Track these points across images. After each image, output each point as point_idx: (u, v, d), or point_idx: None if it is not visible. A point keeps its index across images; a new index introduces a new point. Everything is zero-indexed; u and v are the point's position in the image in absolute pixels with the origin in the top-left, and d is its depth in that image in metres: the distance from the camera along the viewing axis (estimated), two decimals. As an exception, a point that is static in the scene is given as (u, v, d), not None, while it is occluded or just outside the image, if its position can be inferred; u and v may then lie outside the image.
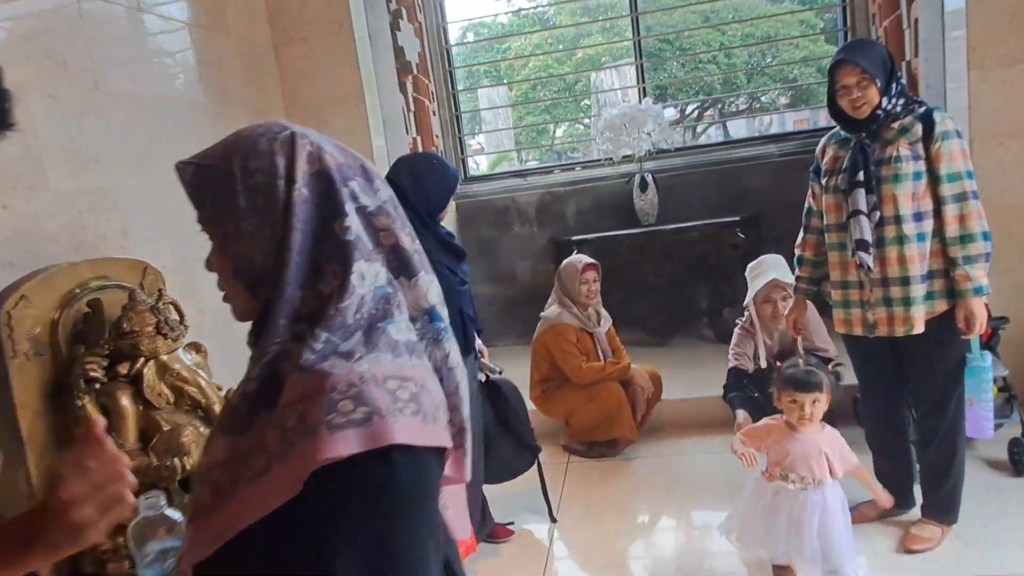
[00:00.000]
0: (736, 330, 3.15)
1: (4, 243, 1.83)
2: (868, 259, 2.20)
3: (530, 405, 3.35)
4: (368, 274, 0.76)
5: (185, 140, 2.64)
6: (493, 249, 4.73)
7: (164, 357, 1.80)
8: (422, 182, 2.33)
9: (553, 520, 2.87)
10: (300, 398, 0.70)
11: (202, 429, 1.85)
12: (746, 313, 3.13)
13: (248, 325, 0.87)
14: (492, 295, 4.78)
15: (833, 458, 2.14)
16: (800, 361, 2.25)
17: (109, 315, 1.80)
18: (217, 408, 1.85)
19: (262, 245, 0.79)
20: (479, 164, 10.29)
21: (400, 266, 0.80)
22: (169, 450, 1.75)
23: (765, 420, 2.31)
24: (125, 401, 1.72)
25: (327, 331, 0.73)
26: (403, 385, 0.72)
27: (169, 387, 1.80)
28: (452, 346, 0.84)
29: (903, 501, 2.44)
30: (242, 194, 0.79)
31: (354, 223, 0.77)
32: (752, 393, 3.02)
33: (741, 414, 2.82)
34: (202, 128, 2.76)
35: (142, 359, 1.77)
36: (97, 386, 1.70)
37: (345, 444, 0.66)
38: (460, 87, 4.89)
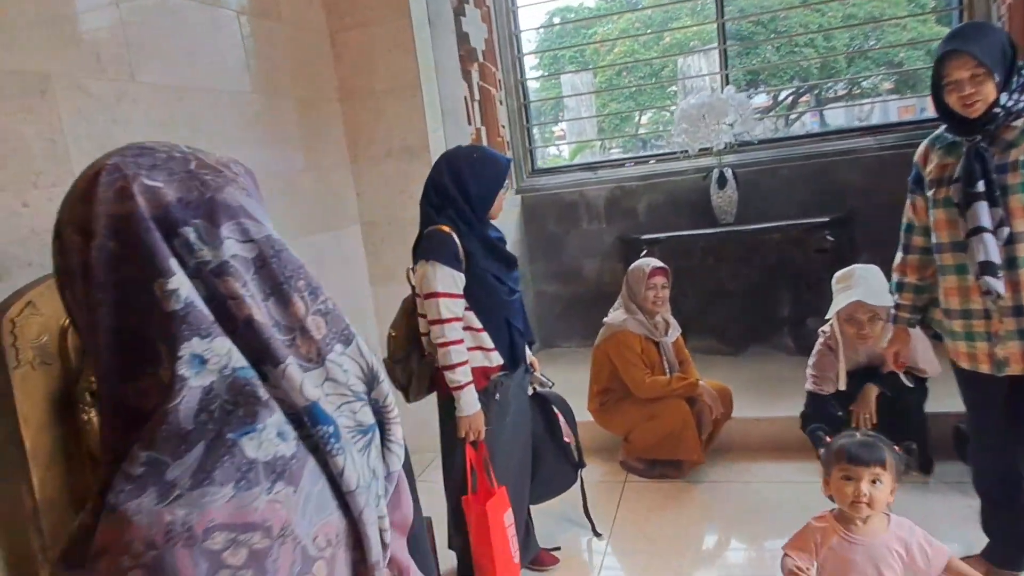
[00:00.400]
0: (817, 345, 2.82)
1: (23, 242, 1.76)
2: (997, 285, 1.83)
3: (587, 416, 3.14)
4: (213, 355, 0.54)
5: (228, 134, 2.55)
6: (558, 246, 4.50)
7: (178, 368, 1.68)
8: (462, 178, 2.14)
9: (596, 534, 2.66)
10: (95, 556, 0.50)
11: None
12: (829, 328, 2.79)
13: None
14: (556, 294, 4.56)
15: (912, 558, 1.63)
16: (857, 433, 1.77)
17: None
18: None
19: (82, 326, 0.59)
20: (561, 151, 10.04)
21: (258, 349, 0.57)
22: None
23: (812, 522, 1.77)
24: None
25: (150, 448, 0.51)
26: (239, 541, 0.50)
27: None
28: (350, 459, 0.60)
29: (1015, 563, 2.08)
30: (55, 255, 0.61)
31: (183, 285, 0.55)
32: (836, 411, 2.70)
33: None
34: (247, 122, 2.67)
35: (153, 370, 1.66)
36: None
37: None
38: (543, 73, 4.65)
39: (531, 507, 2.49)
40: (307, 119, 3.05)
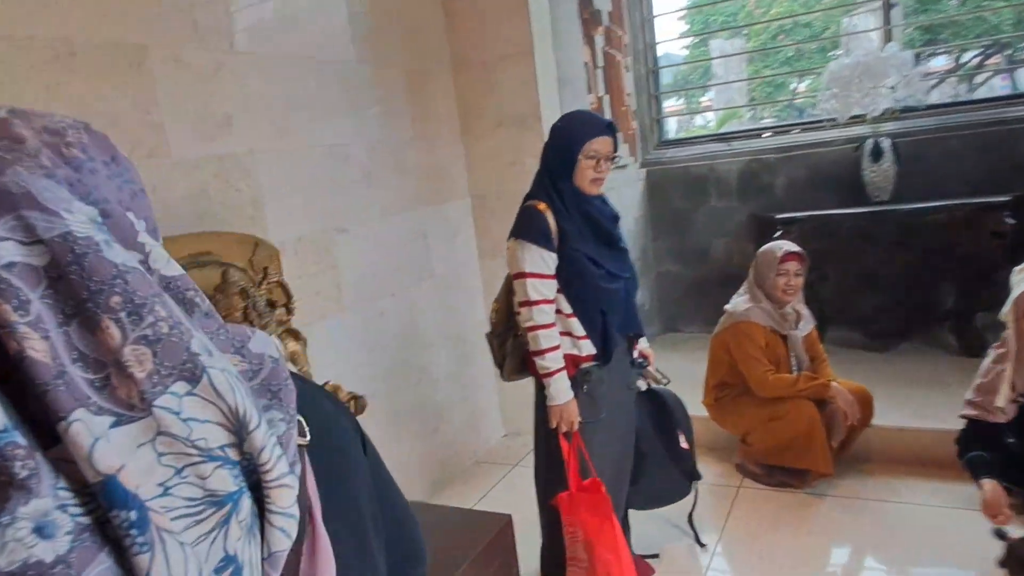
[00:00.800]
0: (988, 357, 2.30)
1: (117, 214, 1.79)
2: None
3: (702, 411, 2.87)
4: None
5: (332, 104, 2.51)
6: (684, 223, 4.19)
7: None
8: (546, 145, 1.97)
9: (700, 544, 2.42)
10: None
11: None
12: (1006, 331, 2.32)
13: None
14: (678, 274, 4.25)
15: None
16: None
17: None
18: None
19: None
20: (709, 121, 9.47)
21: (37, 399, 0.41)
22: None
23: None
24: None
25: None
26: None
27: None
28: (162, 557, 0.43)
29: None
30: None
31: None
32: (1007, 439, 2.24)
33: (988, 486, 1.95)
34: (352, 91, 2.62)
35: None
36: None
37: None
38: (694, 37, 4.32)
39: (632, 515, 2.31)
40: (416, 89, 2.97)
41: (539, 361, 1.98)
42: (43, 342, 0.40)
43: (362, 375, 2.61)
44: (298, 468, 0.49)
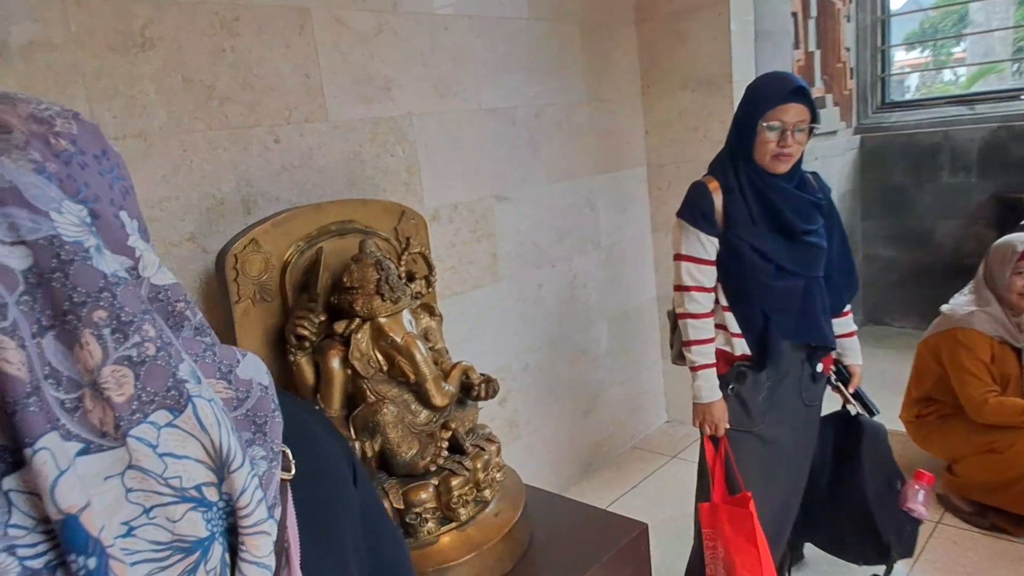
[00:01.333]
0: None
1: (274, 178, 1.82)
2: None
3: (898, 426, 2.46)
4: None
5: (499, 64, 2.39)
6: (904, 201, 3.59)
7: (382, 320, 1.60)
8: (735, 116, 1.71)
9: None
10: None
11: (413, 407, 1.64)
12: None
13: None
14: (892, 260, 3.68)
15: None
16: None
17: (336, 264, 1.67)
18: (430, 386, 1.61)
19: None
20: (959, 77, 8.13)
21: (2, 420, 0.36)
22: (365, 426, 1.58)
23: None
24: (335, 363, 1.59)
25: None
26: None
27: (383, 354, 1.62)
28: None
29: None
30: None
31: None
32: None
33: None
34: (522, 50, 2.47)
35: (357, 320, 1.61)
36: (307, 344, 1.59)
37: None
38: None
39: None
40: (592, 46, 2.76)
41: (686, 353, 1.80)
42: (18, 352, 0.36)
43: (514, 347, 2.53)
44: (278, 511, 0.45)
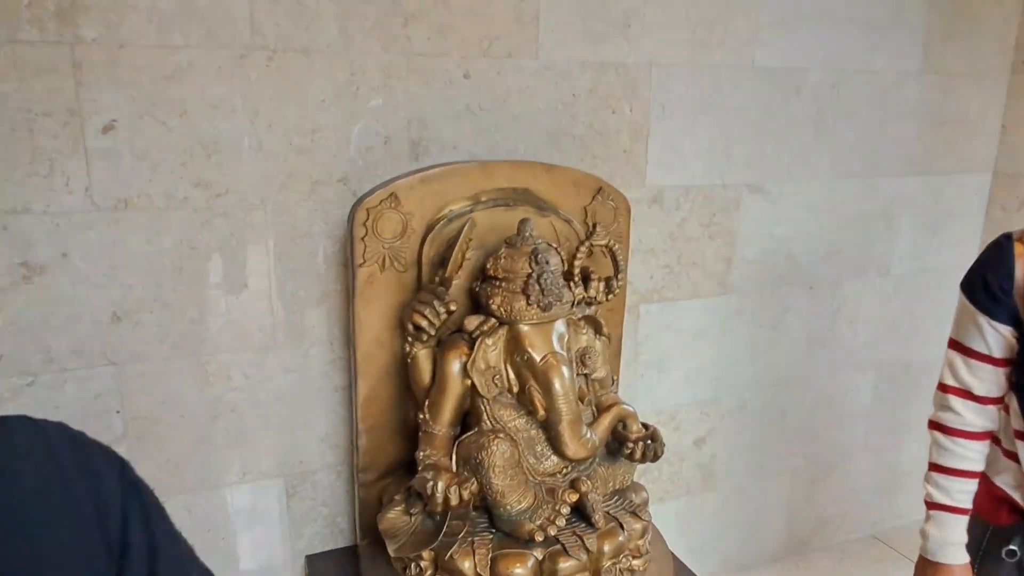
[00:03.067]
0: None
1: (454, 120, 1.49)
2: None
3: None
4: None
5: (794, 6, 1.77)
6: None
7: (523, 328, 1.22)
8: None
9: None
10: None
11: (538, 449, 1.25)
12: None
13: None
14: None
15: None
16: None
17: (493, 244, 1.30)
18: (564, 429, 1.20)
19: None
20: None
21: None
22: (468, 460, 1.22)
23: None
24: (454, 368, 1.24)
25: None
26: None
27: (515, 372, 1.23)
28: None
29: None
30: None
31: None
32: None
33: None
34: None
35: (492, 321, 1.24)
36: (425, 337, 1.26)
37: None
38: None
39: None
40: (947, -4, 1.96)
41: (924, 481, 1.21)
42: None
43: (732, 379, 1.97)
44: None
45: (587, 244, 1.36)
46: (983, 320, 1.12)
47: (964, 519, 1.18)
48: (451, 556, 1.18)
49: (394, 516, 1.25)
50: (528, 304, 1.20)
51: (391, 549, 1.22)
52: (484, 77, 1.50)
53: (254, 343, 1.44)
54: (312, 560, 1.58)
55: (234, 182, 1.35)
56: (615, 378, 1.42)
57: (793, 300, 2.00)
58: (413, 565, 1.23)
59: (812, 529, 2.27)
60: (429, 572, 1.22)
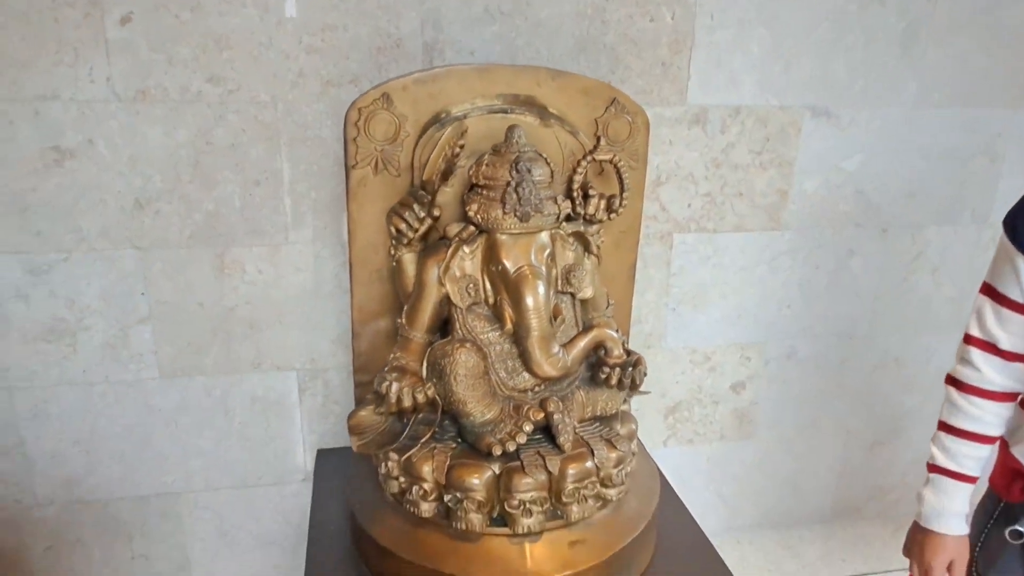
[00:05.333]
0: None
1: (472, 23, 1.43)
2: None
3: None
4: None
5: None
6: None
7: (501, 237, 1.17)
8: None
9: None
10: None
11: (510, 364, 1.22)
12: None
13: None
14: None
15: None
16: None
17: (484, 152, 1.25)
18: (533, 345, 1.16)
19: None
20: None
21: None
22: (434, 368, 1.21)
23: None
24: (431, 275, 1.22)
25: None
26: None
27: (491, 281, 1.20)
28: None
29: None
30: None
31: None
32: None
33: None
34: None
35: (471, 228, 1.21)
36: (406, 240, 1.25)
37: None
38: None
39: None
40: None
41: (932, 440, 1.11)
42: None
43: (780, 324, 1.83)
44: None
45: (589, 158, 1.28)
46: (1022, 262, 0.97)
47: (967, 487, 1.04)
48: (411, 459, 1.19)
49: (365, 415, 1.27)
50: (505, 213, 1.16)
51: (355, 445, 1.25)
52: (505, -23, 1.42)
53: (267, 240, 1.49)
54: (322, 454, 1.66)
55: (246, 79, 1.38)
56: (611, 302, 1.35)
57: (861, 243, 1.79)
58: (384, 465, 1.26)
59: (866, 495, 2.10)
60: (396, 472, 1.24)
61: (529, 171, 1.16)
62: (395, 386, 1.17)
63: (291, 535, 1.73)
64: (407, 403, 1.17)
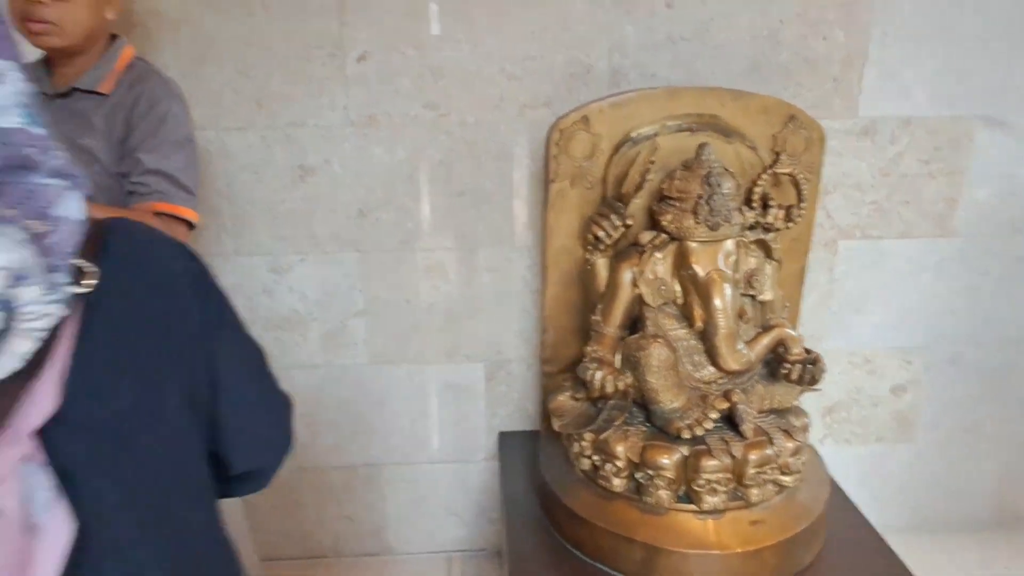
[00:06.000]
0: None
1: (654, 49, 1.57)
2: None
3: None
4: None
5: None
6: None
7: (691, 245, 1.31)
8: None
9: None
10: None
11: (696, 358, 1.35)
12: None
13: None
14: None
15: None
16: None
17: (674, 167, 1.39)
18: (720, 342, 1.29)
19: None
20: None
21: None
22: (627, 360, 1.36)
23: None
24: (625, 277, 1.38)
25: None
26: None
27: (681, 284, 1.34)
28: None
29: None
30: None
31: None
32: None
33: None
34: None
35: (663, 236, 1.35)
36: (602, 247, 1.41)
37: None
38: None
39: None
40: None
41: None
42: None
43: (945, 329, 1.85)
44: (48, 321, 0.49)
45: (769, 171, 1.39)
46: None
47: None
48: (606, 439, 1.35)
49: (563, 399, 1.45)
50: (696, 222, 1.29)
51: (556, 425, 1.42)
52: (686, 6, 1.55)
53: (465, 244, 1.69)
54: (504, 436, 1.84)
55: (455, 104, 1.59)
56: (787, 304, 1.45)
57: (1036, 251, 1.79)
58: (576, 444, 1.42)
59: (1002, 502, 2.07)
60: (588, 451, 1.40)
61: (719, 185, 1.29)
62: (599, 374, 1.33)
63: (471, 507, 1.93)
64: (609, 390, 1.33)
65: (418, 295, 1.73)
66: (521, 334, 1.78)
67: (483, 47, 1.55)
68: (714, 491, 1.30)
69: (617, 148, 1.45)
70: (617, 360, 1.39)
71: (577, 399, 1.44)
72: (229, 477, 0.71)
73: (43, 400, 0.49)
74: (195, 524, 0.63)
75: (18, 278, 0.46)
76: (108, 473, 0.53)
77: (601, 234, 1.39)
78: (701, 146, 1.33)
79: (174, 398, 0.59)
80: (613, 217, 1.38)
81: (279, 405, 0.77)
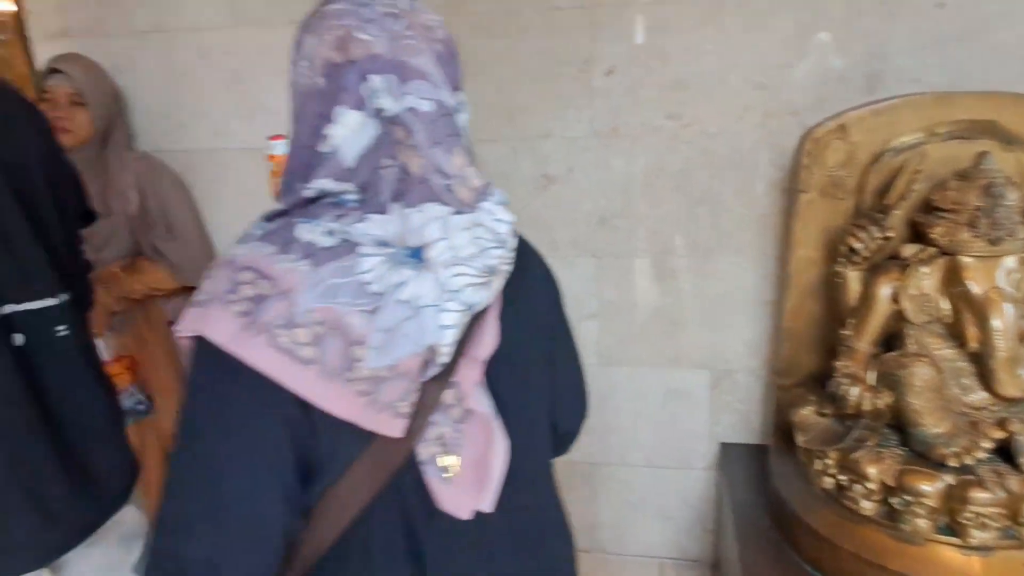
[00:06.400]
0: None
1: (919, 51, 1.49)
2: None
3: None
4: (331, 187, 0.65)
5: None
6: None
7: (965, 260, 1.24)
8: None
9: None
10: None
11: (964, 381, 1.27)
12: None
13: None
14: None
15: None
16: None
17: (945, 176, 1.31)
18: (998, 365, 1.20)
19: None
20: None
21: (401, 190, 0.65)
22: (885, 377, 1.30)
23: None
24: (883, 291, 1.32)
25: (264, 218, 0.68)
26: (256, 282, 0.61)
27: (951, 302, 1.27)
28: (418, 280, 0.63)
29: None
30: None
31: (338, 132, 0.65)
32: None
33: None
34: None
35: (931, 250, 1.28)
36: (858, 259, 1.36)
37: (182, 322, 0.63)
38: None
39: None
40: None
41: None
42: (421, 159, 0.65)
43: None
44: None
45: (1063, 180, 1.27)
46: None
47: None
48: (857, 458, 1.30)
49: (807, 413, 1.41)
50: (974, 236, 1.21)
51: (800, 440, 1.39)
52: (960, 5, 1.45)
53: (699, 251, 1.70)
54: (726, 447, 1.83)
55: (698, 114, 1.60)
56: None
57: None
58: (819, 462, 1.38)
59: None
60: (834, 470, 1.35)
61: (1003, 196, 1.20)
62: (855, 391, 1.29)
63: (688, 515, 1.93)
64: (867, 407, 1.28)
65: (648, 300, 1.77)
66: (749, 344, 1.75)
67: (731, 56, 1.55)
68: (984, 526, 1.20)
69: (877, 157, 1.39)
70: (870, 377, 1.34)
71: (823, 414, 1.40)
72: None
73: (489, 339, 0.69)
74: (547, 460, 0.84)
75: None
76: (516, 399, 0.73)
77: (858, 245, 1.34)
78: (980, 154, 1.25)
79: (544, 360, 0.81)
80: (872, 228, 1.33)
81: (583, 384, 0.96)
